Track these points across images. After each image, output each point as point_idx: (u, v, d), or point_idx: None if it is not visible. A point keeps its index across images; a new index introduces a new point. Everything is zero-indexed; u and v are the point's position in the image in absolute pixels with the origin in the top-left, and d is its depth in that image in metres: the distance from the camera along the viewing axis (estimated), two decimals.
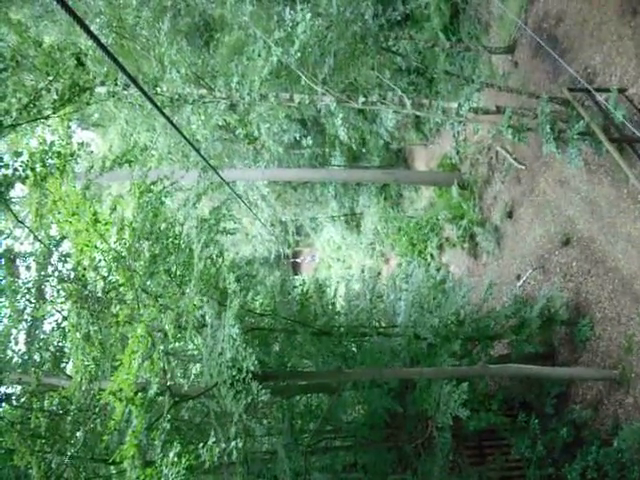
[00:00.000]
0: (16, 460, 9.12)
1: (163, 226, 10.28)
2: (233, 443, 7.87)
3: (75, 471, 10.05)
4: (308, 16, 11.88)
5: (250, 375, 8.95)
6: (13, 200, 9.96)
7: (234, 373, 8.99)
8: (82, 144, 9.40)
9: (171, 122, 8.19)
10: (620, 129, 12.08)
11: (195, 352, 12.26)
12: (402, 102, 12.97)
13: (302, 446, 11.59)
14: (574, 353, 14.17)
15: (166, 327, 8.87)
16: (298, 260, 42.52)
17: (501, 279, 18.00)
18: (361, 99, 12.85)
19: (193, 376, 12.60)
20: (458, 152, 21.25)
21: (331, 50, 12.91)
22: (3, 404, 10.38)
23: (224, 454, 7.92)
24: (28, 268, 10.62)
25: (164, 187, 10.41)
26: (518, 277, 17.42)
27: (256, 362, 8.99)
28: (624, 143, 12.21)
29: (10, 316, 10.52)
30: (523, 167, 17.61)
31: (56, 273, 10.50)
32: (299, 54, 12.27)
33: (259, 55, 12.71)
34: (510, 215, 18.41)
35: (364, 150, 25.35)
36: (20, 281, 10.67)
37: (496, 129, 12.61)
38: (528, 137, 12.98)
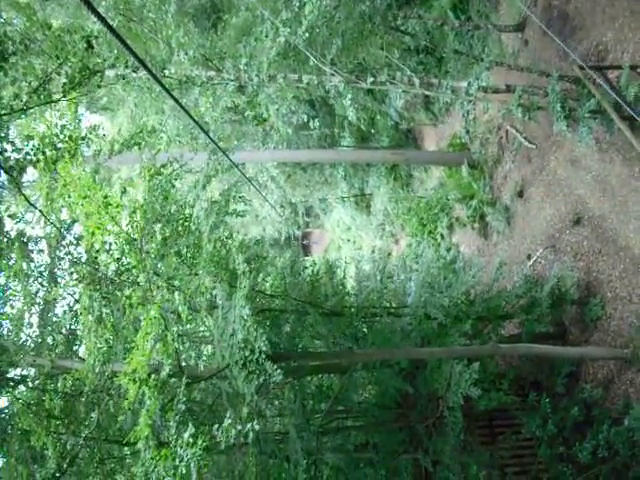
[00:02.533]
0: (33, 441, 9.26)
1: (173, 208, 10.30)
2: (249, 425, 7.91)
3: (89, 452, 10.19)
4: None
5: (263, 356, 8.99)
6: (24, 184, 10.00)
7: (247, 354, 9.03)
8: (94, 127, 9.41)
9: (180, 104, 8.19)
10: (632, 107, 11.97)
11: (207, 333, 12.34)
12: (411, 82, 12.90)
13: (314, 426, 11.66)
14: (585, 332, 14.16)
15: (179, 309, 8.91)
16: (304, 242, 42.62)
17: (511, 259, 17.97)
18: (370, 79, 12.79)
19: (205, 357, 12.70)
20: (468, 131, 21.11)
21: (339, 30, 12.84)
22: (19, 386, 10.51)
23: (240, 435, 7.97)
24: (40, 251, 10.70)
25: (174, 170, 10.42)
26: (529, 257, 17.38)
27: (267, 342, 9.02)
28: (636, 121, 12.10)
29: (25, 298, 10.63)
30: (533, 146, 17.52)
31: (68, 256, 10.59)
32: (307, 34, 12.21)
33: (267, 36, 12.65)
34: (520, 194, 18.33)
35: (373, 131, 25.30)
36: (32, 264, 10.76)
37: (506, 108, 12.53)
38: (538, 116, 12.89)
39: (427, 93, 13.42)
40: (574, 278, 14.49)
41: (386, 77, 12.84)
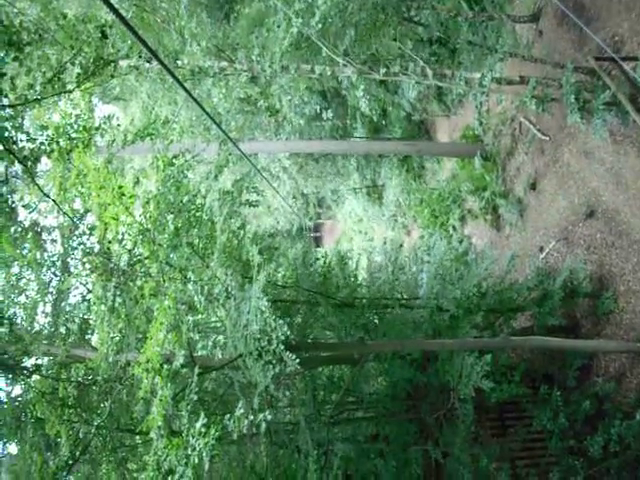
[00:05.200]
0: (47, 429, 9.35)
1: (185, 199, 10.32)
2: (261, 415, 7.93)
3: (102, 440, 10.27)
4: None
5: (282, 346, 8.98)
6: (38, 174, 10.06)
7: (264, 344, 9.02)
8: (108, 117, 9.44)
9: (191, 95, 8.17)
10: None
11: (218, 324, 12.38)
12: (424, 73, 12.84)
13: (324, 417, 11.70)
14: (597, 326, 14.11)
15: (195, 299, 8.94)
16: (316, 234, 42.59)
17: (524, 251, 17.90)
18: (383, 70, 12.75)
19: (217, 348, 12.76)
20: (481, 123, 20.85)
21: (352, 21, 12.79)
22: (34, 375, 10.61)
23: (252, 425, 7.99)
24: (54, 241, 10.76)
25: (186, 160, 10.44)
26: (541, 249, 17.32)
27: (287, 332, 9.00)
28: None
29: (38, 288, 10.71)
30: (547, 138, 17.41)
31: (81, 246, 10.65)
32: (320, 25, 12.15)
33: (279, 27, 12.62)
34: (533, 187, 18.24)
35: (386, 122, 25.20)
36: (46, 254, 10.83)
37: (520, 100, 12.46)
38: (552, 107, 12.82)
39: (440, 84, 13.37)
40: (587, 271, 14.43)
41: (399, 68, 12.79)
